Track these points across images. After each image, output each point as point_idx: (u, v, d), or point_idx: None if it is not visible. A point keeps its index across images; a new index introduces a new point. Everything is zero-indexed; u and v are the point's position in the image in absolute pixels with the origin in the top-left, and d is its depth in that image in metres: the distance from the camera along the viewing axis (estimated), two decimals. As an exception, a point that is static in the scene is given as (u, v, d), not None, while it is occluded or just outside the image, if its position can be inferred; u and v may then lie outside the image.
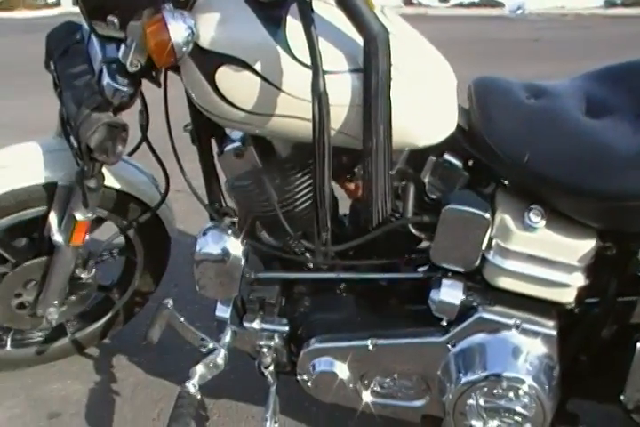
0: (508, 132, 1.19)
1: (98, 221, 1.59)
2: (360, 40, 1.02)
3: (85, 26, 1.34)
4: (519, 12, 9.14)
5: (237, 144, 1.26)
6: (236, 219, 1.34)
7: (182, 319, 1.41)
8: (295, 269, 1.40)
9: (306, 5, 0.98)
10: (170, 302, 1.40)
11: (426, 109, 1.15)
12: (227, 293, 1.36)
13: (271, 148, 1.27)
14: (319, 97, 0.99)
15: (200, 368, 1.39)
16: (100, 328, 1.84)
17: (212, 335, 1.43)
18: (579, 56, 5.56)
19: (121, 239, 1.71)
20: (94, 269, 1.63)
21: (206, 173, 1.34)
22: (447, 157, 1.24)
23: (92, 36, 1.29)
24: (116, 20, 1.13)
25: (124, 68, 1.17)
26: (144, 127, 1.38)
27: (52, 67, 1.39)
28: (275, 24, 1.06)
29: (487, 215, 1.19)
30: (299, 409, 1.62)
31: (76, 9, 1.28)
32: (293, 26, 1.05)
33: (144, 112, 1.36)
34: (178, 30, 1.03)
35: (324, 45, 1.02)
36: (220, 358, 1.39)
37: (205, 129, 1.27)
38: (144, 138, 1.39)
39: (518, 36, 7.59)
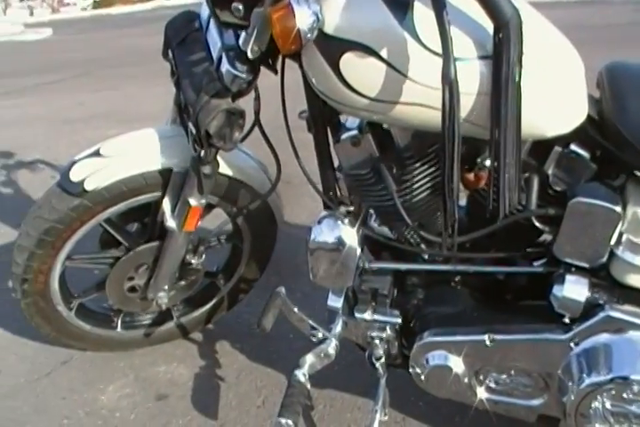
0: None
1: (207, 208, 1.60)
2: (488, 25, 0.96)
3: (203, 14, 1.35)
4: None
5: (354, 132, 1.22)
6: (351, 208, 1.32)
7: (295, 308, 1.39)
8: (409, 260, 1.36)
9: None
10: (282, 290, 1.40)
11: (555, 98, 1.08)
12: (341, 282, 1.34)
13: (389, 136, 1.23)
14: (450, 85, 0.94)
15: (310, 358, 1.38)
16: (205, 314, 1.87)
17: (320, 324, 1.41)
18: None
19: (228, 226, 1.72)
20: (204, 255, 1.65)
21: (321, 161, 1.32)
22: (573, 147, 1.17)
23: (211, 24, 1.29)
24: (240, 7, 1.11)
25: (244, 55, 1.16)
26: (257, 114, 1.37)
27: (170, 55, 1.40)
28: (401, 9, 1.01)
29: (618, 209, 1.11)
30: (404, 402, 1.59)
31: (169, 2, 1.27)
32: (421, 10, 1.01)
33: (258, 99, 1.35)
34: (304, 16, 1.01)
35: (452, 31, 0.97)
36: (332, 348, 1.38)
37: (322, 117, 1.25)
38: (257, 124, 1.38)
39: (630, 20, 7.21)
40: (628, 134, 1.12)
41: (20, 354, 1.91)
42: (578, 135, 1.14)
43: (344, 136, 1.24)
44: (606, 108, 1.16)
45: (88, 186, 1.41)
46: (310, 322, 1.40)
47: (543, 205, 1.20)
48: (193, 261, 1.63)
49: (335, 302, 1.40)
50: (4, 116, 4.85)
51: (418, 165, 1.21)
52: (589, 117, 1.15)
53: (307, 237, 1.32)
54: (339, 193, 1.35)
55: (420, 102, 1.05)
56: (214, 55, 1.27)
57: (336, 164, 1.31)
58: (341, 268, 1.31)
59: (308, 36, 1.02)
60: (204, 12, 1.34)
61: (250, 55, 1.14)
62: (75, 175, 1.42)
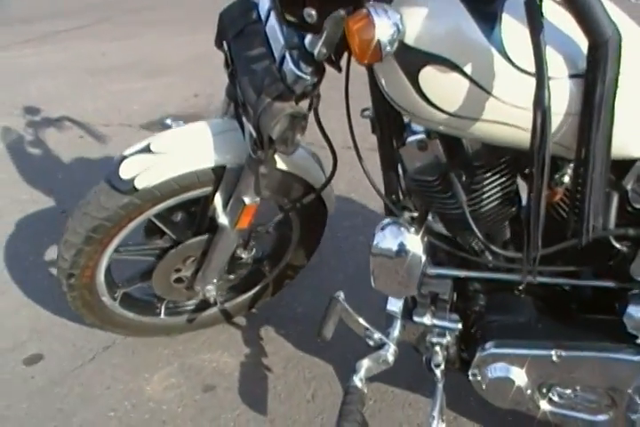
0: None
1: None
2: (581, 39, 0.85)
3: (262, 5, 1.23)
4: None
5: (421, 136, 1.12)
6: (415, 213, 1.23)
7: (354, 313, 1.34)
8: (471, 267, 1.29)
9: (535, 8, 0.82)
10: (342, 295, 1.34)
11: None
12: (404, 291, 1.27)
13: (458, 142, 1.13)
14: (543, 111, 0.85)
15: (368, 363, 1.34)
16: (249, 299, 1.82)
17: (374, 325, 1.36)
18: None
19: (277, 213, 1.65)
20: (254, 249, 1.58)
21: (385, 164, 1.23)
22: None
23: (272, 17, 1.17)
24: (314, 13, 1.00)
25: (310, 56, 1.07)
26: (317, 111, 1.28)
27: (225, 46, 1.30)
28: (489, 22, 0.91)
29: None
30: (455, 399, 1.55)
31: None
32: (510, 24, 0.90)
33: (318, 96, 1.26)
34: (384, 28, 0.90)
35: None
36: (390, 353, 1.33)
37: (387, 118, 1.15)
38: (317, 121, 1.29)
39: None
40: None
41: (62, 337, 1.89)
42: None
43: (410, 139, 1.14)
44: None
45: (138, 184, 1.33)
46: (370, 327, 1.34)
47: (622, 224, 1.11)
48: (243, 256, 1.57)
49: (394, 306, 1.35)
50: (26, 66, 4.73)
51: (489, 174, 1.12)
52: None
53: (369, 243, 1.25)
54: (402, 197, 1.27)
55: (504, 121, 0.96)
56: (276, 53, 1.16)
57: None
58: (405, 276, 1.24)
59: (388, 48, 0.92)
60: (264, 2, 1.22)
61: (317, 57, 1.05)
62: (124, 173, 1.34)
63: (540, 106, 0.84)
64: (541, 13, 0.82)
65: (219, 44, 1.34)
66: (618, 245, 1.13)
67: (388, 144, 1.19)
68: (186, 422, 1.57)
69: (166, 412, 1.60)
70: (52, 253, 2.33)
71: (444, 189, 1.14)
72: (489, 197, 1.14)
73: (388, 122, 1.16)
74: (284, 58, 1.12)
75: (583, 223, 0.97)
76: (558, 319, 1.28)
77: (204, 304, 1.78)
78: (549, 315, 1.29)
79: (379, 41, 0.91)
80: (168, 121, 3.59)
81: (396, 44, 0.93)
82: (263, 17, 1.23)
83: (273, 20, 1.16)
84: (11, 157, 3.20)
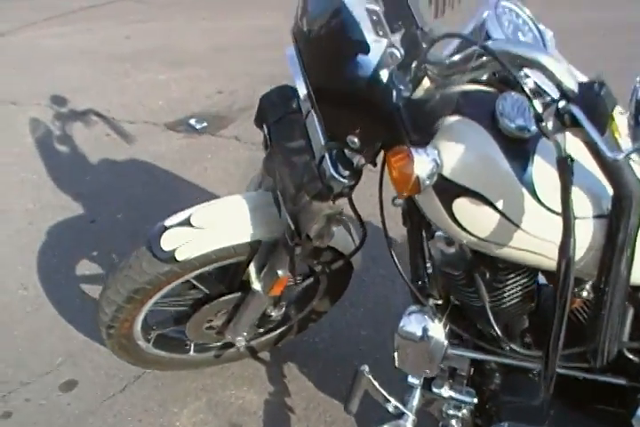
0: None
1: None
2: (607, 182, 0.91)
3: (302, 98, 1.27)
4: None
5: None
6: (439, 301, 1.31)
7: (378, 386, 1.42)
8: (489, 351, 1.36)
9: (566, 167, 0.86)
10: (366, 369, 1.41)
11: None
12: (425, 371, 1.35)
13: None
14: (568, 259, 0.90)
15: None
16: (274, 338, 1.91)
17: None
18: None
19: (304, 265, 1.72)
20: (284, 308, 1.66)
21: (413, 252, 1.29)
22: None
23: (312, 115, 1.22)
24: (356, 140, 1.05)
25: (349, 161, 1.12)
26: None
27: (265, 130, 1.34)
28: (521, 161, 0.96)
29: None
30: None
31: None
32: (542, 166, 0.95)
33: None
34: (423, 165, 0.95)
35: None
36: (409, 423, 1.41)
37: (418, 212, 1.21)
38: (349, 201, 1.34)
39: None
40: None
41: (95, 362, 1.99)
42: None
43: (438, 234, 1.20)
44: None
45: (179, 256, 1.40)
46: (391, 399, 1.42)
47: (636, 337, 1.18)
48: (273, 314, 1.64)
49: (415, 378, 1.42)
50: (49, 49, 4.73)
51: (512, 275, 1.18)
52: None
53: (395, 327, 1.33)
54: (427, 285, 1.33)
55: (531, 250, 1.01)
56: (315, 149, 1.21)
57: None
58: (427, 359, 1.32)
59: (427, 182, 0.98)
60: (303, 95, 1.26)
61: (356, 166, 1.11)
62: (166, 244, 1.41)
63: (565, 254, 0.89)
64: (572, 172, 0.87)
65: (259, 125, 1.38)
66: (631, 356, 1.19)
67: (417, 235, 1.26)
68: (214, 460, 1.69)
69: (195, 450, 1.71)
70: (82, 267, 2.42)
71: (468, 283, 1.21)
72: (510, 295, 1.20)
73: (419, 216, 1.21)
74: (323, 158, 1.17)
75: (598, 347, 1.04)
76: (571, 407, 1.36)
77: (232, 342, 1.86)
78: (563, 405, 1.36)
79: (418, 178, 0.96)
80: (192, 121, 3.65)
81: (435, 178, 0.98)
82: (304, 110, 1.27)
83: (314, 117, 1.19)
84: (39, 154, 3.26)
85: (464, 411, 1.40)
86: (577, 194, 0.94)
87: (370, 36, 1.01)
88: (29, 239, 2.59)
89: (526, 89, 0.82)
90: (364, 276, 2.27)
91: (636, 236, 0.91)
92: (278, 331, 1.89)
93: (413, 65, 0.98)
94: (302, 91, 1.16)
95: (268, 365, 1.96)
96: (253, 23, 5.01)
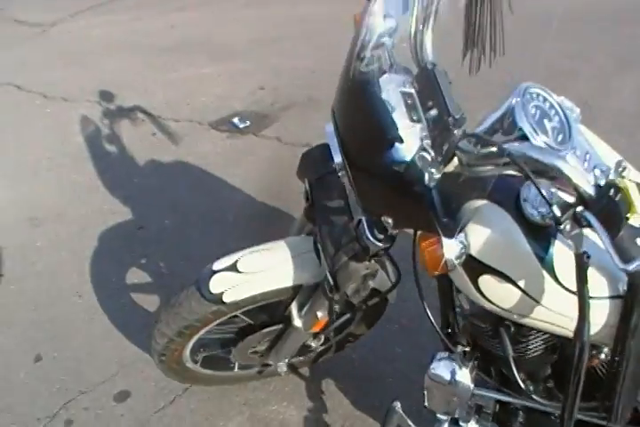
0: None
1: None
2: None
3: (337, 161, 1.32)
4: None
5: None
6: (467, 348, 1.38)
7: (409, 421, 1.51)
8: (512, 394, 1.44)
9: (583, 265, 0.92)
10: (398, 405, 1.51)
11: None
12: (452, 411, 1.44)
13: None
14: (582, 343, 0.96)
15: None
16: (313, 357, 2.01)
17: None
18: None
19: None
20: (323, 339, 1.76)
21: (443, 301, 1.37)
22: None
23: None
24: (390, 221, 1.12)
25: (383, 226, 1.19)
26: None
27: (307, 184, 1.41)
28: (542, 245, 1.02)
29: None
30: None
31: None
32: (561, 250, 1.01)
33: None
34: (451, 248, 1.03)
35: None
36: None
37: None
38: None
39: None
40: None
41: (145, 374, 2.13)
42: None
43: None
44: None
45: (226, 299, 1.50)
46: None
47: None
48: (312, 345, 1.74)
49: (445, 415, 1.52)
50: (97, 39, 4.83)
51: (534, 332, 1.25)
52: None
53: (426, 371, 1.41)
54: (457, 332, 1.41)
55: (550, 322, 1.09)
56: (353, 211, 1.28)
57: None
58: (453, 401, 1.41)
59: (455, 263, 1.05)
60: (341, 170, 1.31)
61: (390, 231, 1.18)
62: (214, 288, 1.50)
63: (580, 338, 0.96)
64: (588, 267, 0.91)
65: (301, 178, 1.45)
66: None
67: (447, 286, 1.33)
68: (256, 475, 1.82)
69: (240, 465, 1.85)
70: (132, 275, 2.56)
71: (494, 335, 1.29)
72: (533, 348, 1.27)
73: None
74: (360, 221, 1.24)
75: (612, 413, 1.11)
76: None
77: (273, 360, 1.98)
78: None
79: (446, 260, 1.04)
80: (235, 120, 3.71)
81: (463, 259, 1.05)
82: (339, 172, 1.33)
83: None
84: (89, 154, 3.39)
85: None
86: (594, 275, 1.01)
87: (403, 124, 1.06)
88: (82, 245, 2.73)
89: (544, 193, 0.89)
90: (399, 290, 2.34)
91: None
92: (317, 351, 1.99)
93: (444, 148, 1.03)
94: (339, 166, 1.23)
95: (307, 380, 2.08)
96: (295, 11, 5.01)
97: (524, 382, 1.36)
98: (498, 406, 1.50)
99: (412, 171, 1.05)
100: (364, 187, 1.18)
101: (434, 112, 1.07)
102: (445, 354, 1.41)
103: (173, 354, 1.70)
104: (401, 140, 1.05)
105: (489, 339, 1.31)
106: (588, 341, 0.95)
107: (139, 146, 3.42)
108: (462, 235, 1.04)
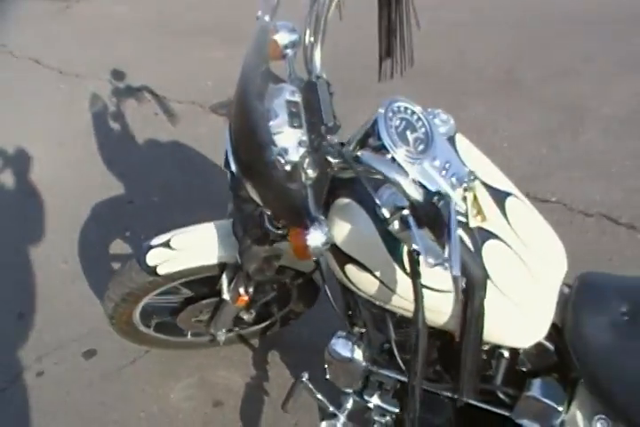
0: (592, 352, 1.27)
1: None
2: None
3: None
4: None
5: None
6: (363, 329, 1.55)
7: (316, 392, 1.69)
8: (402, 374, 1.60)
9: (414, 258, 1.05)
10: (306, 376, 1.69)
11: (517, 321, 1.25)
12: (349, 385, 1.63)
13: None
14: (417, 331, 1.11)
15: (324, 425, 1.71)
16: (260, 329, 2.21)
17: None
18: None
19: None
20: (254, 313, 1.94)
21: (342, 285, 1.53)
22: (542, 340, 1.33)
23: None
24: (270, 213, 1.31)
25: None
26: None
27: (229, 177, 1.57)
28: (393, 241, 1.18)
29: (560, 408, 1.31)
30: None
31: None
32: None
33: None
34: (314, 238, 1.13)
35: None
36: (340, 423, 1.69)
37: None
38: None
39: None
40: (576, 359, 1.28)
41: (113, 335, 2.30)
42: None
43: None
44: (567, 322, 1.31)
45: (160, 271, 1.70)
46: (328, 404, 1.70)
47: (506, 384, 1.40)
48: (245, 317, 1.93)
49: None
50: (114, 18, 4.93)
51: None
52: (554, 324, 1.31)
53: (326, 348, 1.59)
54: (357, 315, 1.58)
55: (404, 308, 1.27)
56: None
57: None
58: (350, 375, 1.60)
59: (319, 251, 1.15)
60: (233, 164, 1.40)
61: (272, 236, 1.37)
62: (150, 260, 1.70)
63: (416, 327, 1.11)
64: (419, 263, 1.06)
65: (226, 166, 1.61)
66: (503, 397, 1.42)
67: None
68: (193, 432, 2.03)
69: (181, 421, 2.07)
70: (115, 246, 2.77)
71: (381, 319, 1.46)
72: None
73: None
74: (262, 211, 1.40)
75: (459, 389, 1.29)
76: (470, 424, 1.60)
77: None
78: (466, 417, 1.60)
79: (310, 248, 1.17)
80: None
81: (326, 248, 1.17)
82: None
83: None
84: (95, 132, 3.59)
85: (387, 418, 1.66)
86: (439, 271, 1.16)
87: (281, 130, 1.21)
88: (75, 217, 2.95)
89: (375, 197, 1.06)
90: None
91: (483, 311, 1.14)
92: (263, 324, 2.18)
93: (318, 152, 1.19)
94: (234, 166, 1.38)
95: (255, 351, 2.28)
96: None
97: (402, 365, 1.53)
98: (400, 385, 1.67)
99: (290, 171, 1.20)
100: (252, 185, 1.34)
101: (313, 120, 1.23)
102: (344, 333, 1.58)
103: (121, 318, 1.92)
104: (274, 144, 1.19)
105: (377, 323, 1.48)
106: (423, 328, 1.11)
107: (140, 125, 3.62)
108: (326, 228, 1.18)
